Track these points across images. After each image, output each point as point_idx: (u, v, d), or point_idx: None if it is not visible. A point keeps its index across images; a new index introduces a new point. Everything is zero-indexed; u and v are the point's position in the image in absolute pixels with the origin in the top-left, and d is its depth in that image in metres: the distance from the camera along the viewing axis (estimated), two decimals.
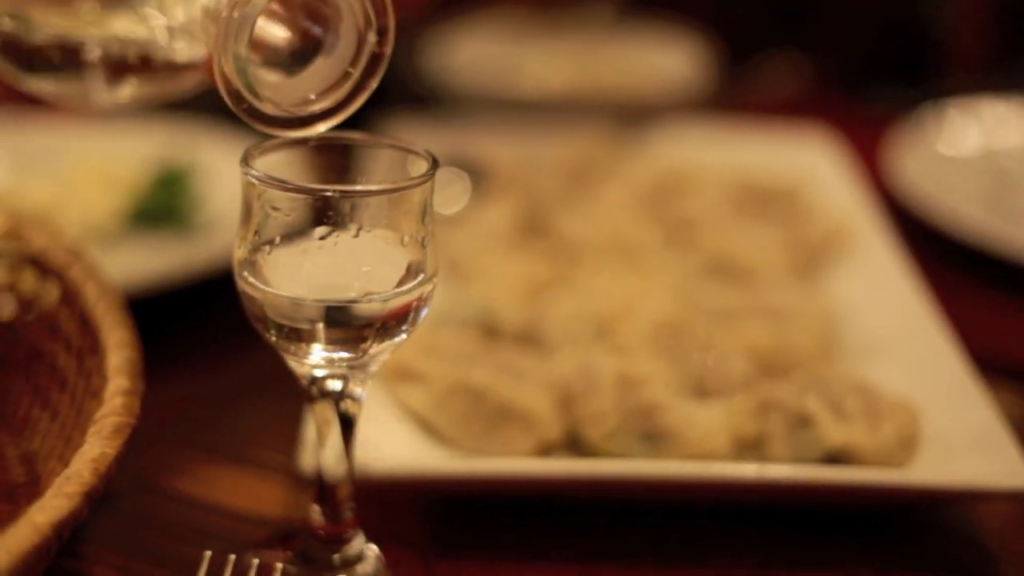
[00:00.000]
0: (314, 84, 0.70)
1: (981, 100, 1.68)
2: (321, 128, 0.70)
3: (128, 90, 0.81)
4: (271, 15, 0.69)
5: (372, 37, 0.70)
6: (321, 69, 0.70)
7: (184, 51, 0.79)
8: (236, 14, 0.65)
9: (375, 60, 0.70)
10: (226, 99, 0.66)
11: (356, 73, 0.71)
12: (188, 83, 0.81)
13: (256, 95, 0.67)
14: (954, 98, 1.70)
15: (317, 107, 0.70)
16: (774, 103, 1.76)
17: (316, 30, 0.70)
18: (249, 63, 0.66)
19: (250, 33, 0.66)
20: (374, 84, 0.71)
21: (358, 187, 0.71)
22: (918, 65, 1.99)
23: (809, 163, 1.43)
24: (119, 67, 0.80)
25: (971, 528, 0.91)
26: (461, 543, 0.87)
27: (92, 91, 0.80)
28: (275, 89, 0.69)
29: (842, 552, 0.87)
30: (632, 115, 1.56)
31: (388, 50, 0.70)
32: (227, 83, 0.66)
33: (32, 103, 1.65)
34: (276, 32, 0.70)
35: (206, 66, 0.75)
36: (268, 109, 0.68)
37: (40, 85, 0.82)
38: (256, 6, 0.66)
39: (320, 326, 0.69)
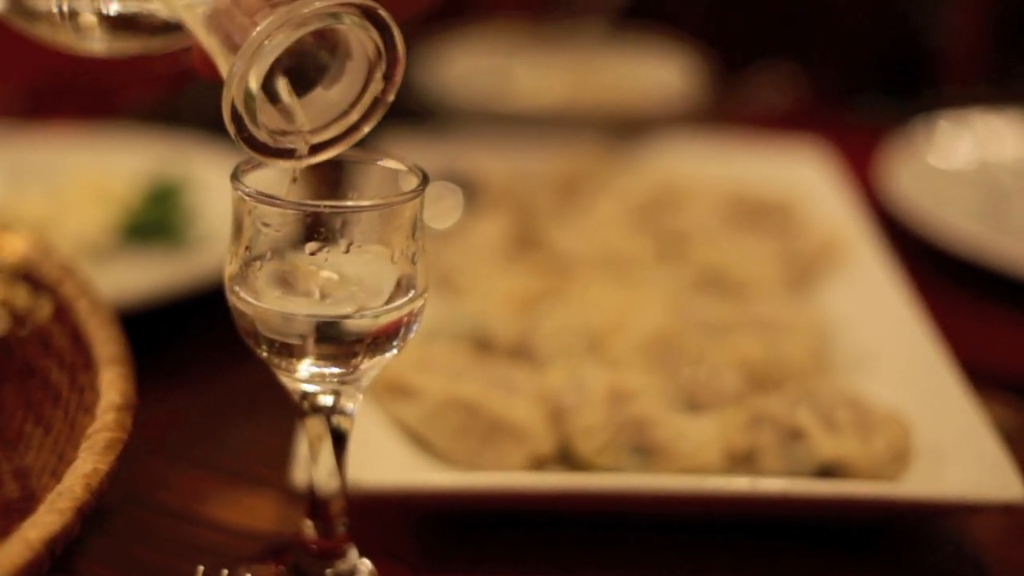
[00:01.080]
0: (308, 115, 0.70)
1: (974, 112, 1.69)
2: (309, 162, 0.70)
3: (106, 44, 0.79)
4: None
5: (378, 84, 0.70)
6: (318, 101, 0.70)
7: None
8: (257, 49, 0.65)
9: (375, 105, 0.70)
10: (227, 123, 0.66)
11: (354, 115, 0.70)
12: (171, 45, 0.80)
13: (256, 125, 0.67)
14: (948, 110, 1.70)
15: (308, 141, 0.70)
16: (767, 116, 1.76)
17: (323, 57, 0.70)
18: (258, 96, 0.66)
19: (267, 70, 0.66)
20: (368, 129, 0.71)
21: (348, 203, 0.71)
22: (912, 77, 2.00)
23: (802, 176, 1.43)
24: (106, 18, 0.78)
25: (964, 540, 0.91)
26: (454, 557, 0.87)
27: (71, 31, 0.79)
28: (269, 113, 0.69)
29: (835, 564, 0.87)
30: (625, 128, 1.56)
31: (391, 98, 0.70)
32: (233, 110, 0.66)
33: (27, 117, 1.66)
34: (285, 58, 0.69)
35: (194, 52, 0.74)
36: (263, 138, 0.68)
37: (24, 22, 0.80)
38: (278, 45, 0.65)
39: (311, 341, 0.69)
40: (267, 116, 0.68)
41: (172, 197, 1.31)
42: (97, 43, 0.78)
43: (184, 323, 1.17)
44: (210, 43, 0.69)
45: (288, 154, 0.69)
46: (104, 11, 0.77)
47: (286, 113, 0.69)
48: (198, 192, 1.33)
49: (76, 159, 1.42)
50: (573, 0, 1.90)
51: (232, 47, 0.67)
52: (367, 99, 0.70)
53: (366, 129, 0.71)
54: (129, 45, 0.79)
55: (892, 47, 1.99)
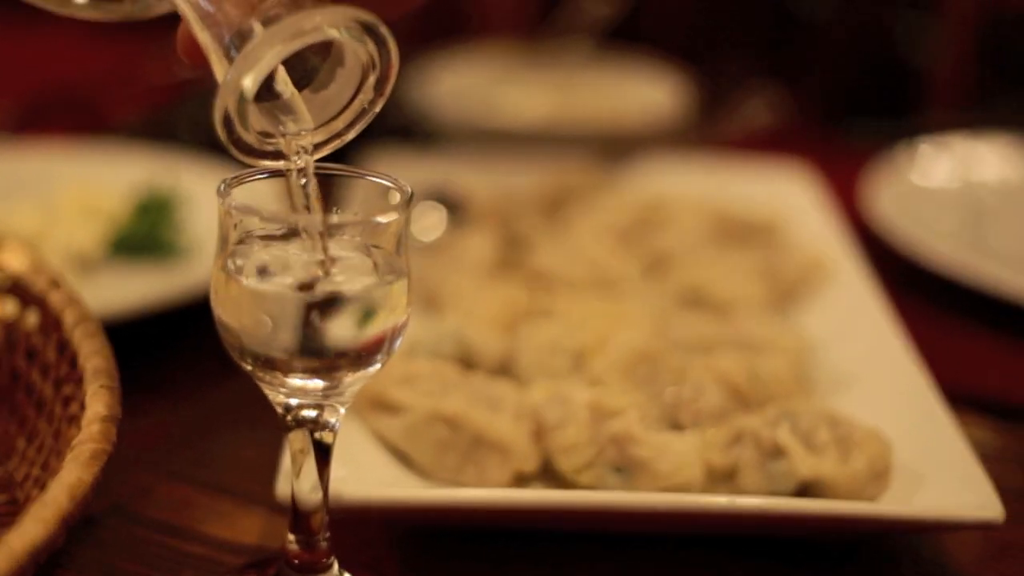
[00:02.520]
0: (293, 117, 0.71)
1: (959, 136, 1.70)
2: (293, 164, 0.71)
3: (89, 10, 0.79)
4: None
5: (368, 93, 0.70)
6: (306, 104, 0.71)
7: None
8: (255, 61, 0.65)
9: (362, 114, 0.71)
10: (217, 125, 0.66)
11: (340, 123, 0.71)
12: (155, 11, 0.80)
13: (246, 128, 0.68)
14: (932, 134, 1.71)
15: (293, 145, 0.70)
16: (753, 137, 1.77)
17: (314, 62, 0.70)
18: (251, 101, 0.67)
19: (263, 78, 0.66)
20: (352, 136, 0.71)
21: (333, 219, 0.72)
22: (898, 100, 2.01)
23: (786, 197, 1.44)
24: None
25: (942, 558, 0.91)
26: (435, 572, 0.88)
27: None
28: (256, 115, 0.69)
29: None
30: (611, 148, 1.57)
31: (378, 108, 0.71)
32: (224, 113, 0.66)
33: (18, 132, 1.67)
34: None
35: (179, 36, 0.73)
36: (251, 140, 0.69)
37: None
38: (276, 55, 0.66)
39: (295, 355, 0.70)
40: (255, 118, 0.68)
41: (161, 211, 1.32)
42: (80, 9, 0.78)
43: (170, 337, 1.18)
44: (204, 38, 0.69)
45: (273, 156, 0.70)
46: None
47: (271, 115, 0.70)
48: (187, 206, 1.34)
49: (67, 173, 1.42)
50: (562, 20, 1.91)
51: (225, 48, 0.67)
52: (355, 107, 0.71)
53: (350, 136, 0.71)
54: (113, 12, 0.79)
55: (878, 70, 2.00)
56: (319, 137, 0.71)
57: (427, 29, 2.03)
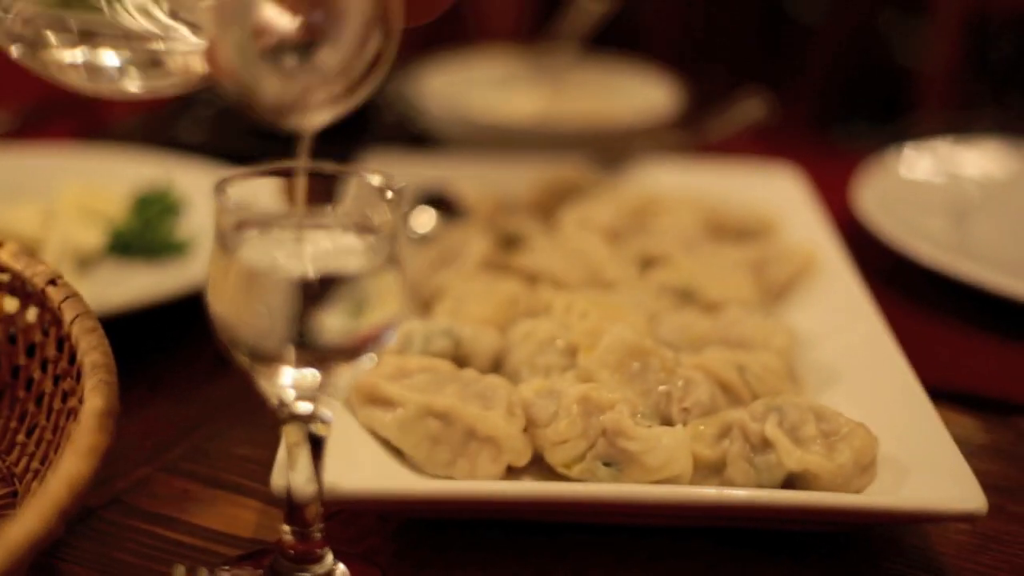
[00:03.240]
0: (313, 76, 0.71)
1: (947, 139, 1.71)
2: (317, 120, 0.71)
3: (134, 83, 0.80)
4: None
5: (377, 37, 0.71)
6: (315, 64, 0.71)
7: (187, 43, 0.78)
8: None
9: (377, 60, 0.71)
10: (224, 83, 0.66)
11: (356, 71, 0.71)
12: (190, 77, 0.80)
13: (255, 77, 0.68)
14: (921, 137, 1.72)
15: (315, 98, 0.71)
16: (743, 138, 1.78)
17: (318, 18, 0.71)
18: (249, 46, 0.67)
19: (250, 16, 0.67)
20: (374, 82, 0.72)
21: (326, 217, 0.73)
22: (888, 103, 2.02)
23: (777, 197, 1.45)
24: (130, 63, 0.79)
25: (927, 549, 0.93)
26: (429, 563, 0.89)
27: (102, 79, 0.80)
28: (270, 78, 0.69)
29: (801, 571, 0.89)
30: (604, 149, 1.58)
31: (392, 50, 0.71)
32: (227, 66, 0.66)
33: (18, 137, 1.68)
34: (277, 18, 0.70)
35: (205, 56, 0.74)
36: (266, 92, 0.69)
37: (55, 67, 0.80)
38: None
39: (288, 348, 0.71)
40: (268, 83, 0.69)
41: (158, 210, 1.33)
42: (128, 86, 0.80)
43: (168, 334, 1.19)
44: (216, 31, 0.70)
45: (292, 111, 0.71)
46: (121, 58, 0.78)
47: (287, 78, 0.71)
48: (184, 206, 1.35)
49: (67, 175, 1.44)
50: (557, 25, 1.92)
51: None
52: (367, 54, 0.71)
53: (372, 83, 0.72)
54: (154, 84, 0.80)
55: (868, 73, 2.01)
56: (334, 92, 0.71)
57: (426, 33, 2.04)
